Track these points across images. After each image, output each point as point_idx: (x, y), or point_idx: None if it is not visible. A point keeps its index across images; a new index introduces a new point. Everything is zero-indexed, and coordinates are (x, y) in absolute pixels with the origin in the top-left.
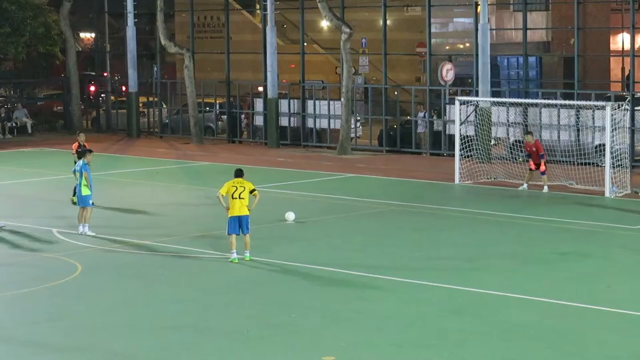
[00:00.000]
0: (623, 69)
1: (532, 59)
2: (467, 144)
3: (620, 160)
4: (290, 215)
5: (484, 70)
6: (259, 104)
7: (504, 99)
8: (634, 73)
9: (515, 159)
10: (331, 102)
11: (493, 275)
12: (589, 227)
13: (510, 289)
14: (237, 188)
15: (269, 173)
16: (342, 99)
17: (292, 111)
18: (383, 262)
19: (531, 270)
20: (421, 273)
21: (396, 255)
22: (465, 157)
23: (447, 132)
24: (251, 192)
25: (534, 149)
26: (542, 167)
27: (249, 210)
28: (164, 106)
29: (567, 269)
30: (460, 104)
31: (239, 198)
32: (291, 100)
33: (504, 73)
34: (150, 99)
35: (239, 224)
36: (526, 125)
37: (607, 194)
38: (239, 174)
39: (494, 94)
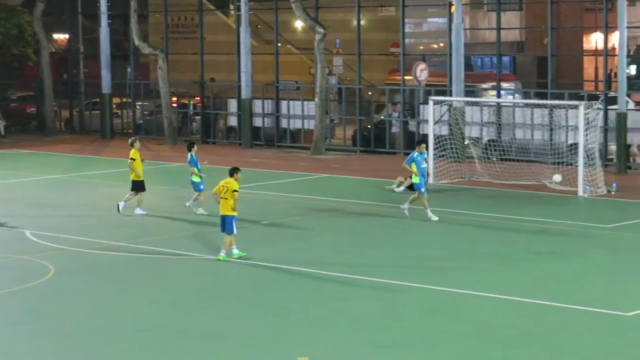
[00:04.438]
0: (596, 68)
1: (505, 59)
2: (441, 143)
3: (594, 159)
4: (557, 177)
5: (458, 70)
6: (232, 105)
7: (477, 99)
8: (607, 72)
9: (489, 158)
10: (305, 103)
11: (470, 275)
12: (563, 226)
13: (486, 288)
14: (223, 187)
15: (244, 174)
16: (316, 100)
17: (266, 112)
18: (360, 262)
19: (508, 270)
20: (398, 273)
21: (373, 255)
22: (439, 157)
23: (421, 131)
24: (233, 192)
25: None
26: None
27: (233, 210)
28: (138, 107)
29: (543, 268)
30: (434, 104)
31: (224, 198)
32: (265, 101)
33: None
34: (124, 100)
35: (222, 223)
36: (420, 140)
37: (580, 194)
38: (230, 172)
39: (468, 93)
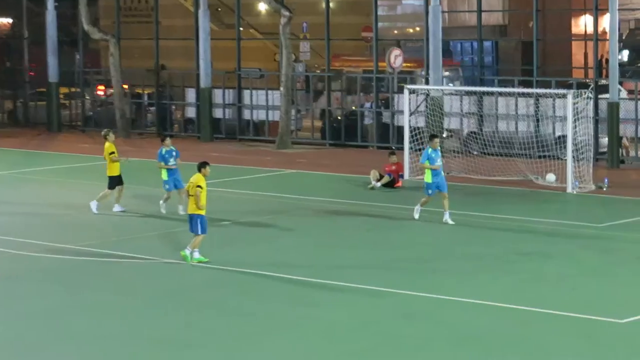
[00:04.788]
0: (586, 54)
1: (487, 44)
2: (417, 136)
3: (583, 152)
4: (550, 177)
5: (436, 56)
6: (190, 95)
7: (457, 88)
8: (597, 58)
9: (470, 152)
10: (269, 92)
11: (449, 278)
12: (550, 225)
13: (467, 293)
14: (190, 184)
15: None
16: (282, 89)
17: (226, 102)
18: (330, 264)
19: (490, 272)
20: (371, 276)
21: (344, 257)
22: (415, 150)
23: (395, 123)
24: (196, 188)
25: (393, 167)
26: (399, 184)
27: (199, 209)
28: (87, 97)
29: (528, 271)
30: (410, 93)
31: (191, 195)
32: (226, 90)
33: (457, 59)
34: (72, 89)
35: (189, 223)
36: (391, 148)
37: (569, 190)
38: (198, 167)
39: (447, 81)
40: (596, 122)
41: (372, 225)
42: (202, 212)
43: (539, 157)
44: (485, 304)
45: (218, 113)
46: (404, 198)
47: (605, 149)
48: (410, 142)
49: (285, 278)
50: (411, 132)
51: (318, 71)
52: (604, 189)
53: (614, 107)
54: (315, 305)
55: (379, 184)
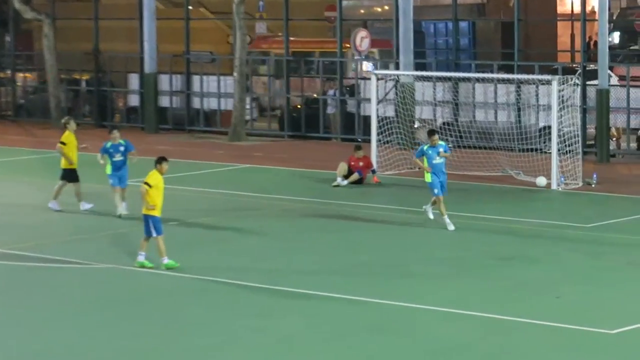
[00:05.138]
0: (572, 35)
1: (463, 25)
2: (386, 127)
3: (570, 145)
4: (541, 181)
5: (406, 38)
6: (133, 81)
7: (430, 73)
8: (585, 41)
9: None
10: (222, 78)
11: (421, 285)
12: (534, 226)
13: (442, 301)
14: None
15: (146, 164)
16: (235, 74)
17: (174, 89)
18: (287, 270)
19: (467, 278)
20: (334, 283)
21: (303, 262)
22: (384, 143)
23: (361, 113)
24: (143, 184)
25: (360, 163)
26: (376, 180)
27: (147, 209)
28: (19, 83)
29: (509, 276)
30: (378, 79)
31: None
32: (173, 76)
33: (430, 42)
34: (2, 75)
35: (145, 224)
36: (357, 140)
37: (554, 186)
38: (155, 162)
39: (418, 66)
40: (584, 111)
41: (337, 226)
42: (153, 213)
43: (521, 150)
44: (462, 314)
45: (164, 101)
46: (372, 196)
47: (593, 141)
48: (378, 134)
49: (239, 285)
50: (379, 122)
51: (273, 54)
52: (593, 186)
53: (603, 95)
54: (272, 315)
55: (345, 181)
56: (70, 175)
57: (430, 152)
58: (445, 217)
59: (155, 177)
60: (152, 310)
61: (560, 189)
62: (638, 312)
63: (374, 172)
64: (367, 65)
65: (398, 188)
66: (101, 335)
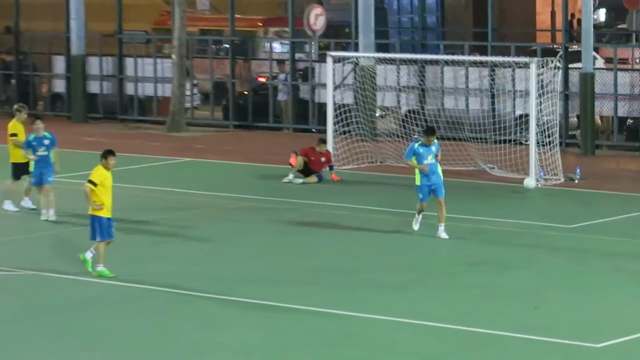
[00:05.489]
0: (553, 13)
1: (430, 1)
2: (343, 115)
3: (550, 136)
4: (529, 182)
5: (366, 15)
6: (59, 64)
7: (393, 55)
8: (567, 19)
9: (410, 136)
10: (159, 61)
11: (383, 295)
12: (509, 227)
13: (404, 311)
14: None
15: (73, 158)
16: (174, 56)
17: (104, 73)
18: (233, 277)
19: (433, 286)
20: (284, 291)
21: (251, 268)
22: (341, 133)
23: (316, 100)
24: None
25: (323, 159)
26: (335, 177)
27: (93, 209)
28: None
29: (481, 284)
30: (334, 62)
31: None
32: (104, 59)
33: (393, 20)
34: None
35: (91, 227)
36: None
37: (532, 183)
38: (101, 157)
39: (380, 47)
40: (566, 97)
41: (288, 228)
42: (96, 213)
43: (495, 141)
44: (429, 326)
45: (94, 87)
46: (328, 194)
47: (576, 132)
48: (334, 123)
49: (180, 294)
50: (336, 110)
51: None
52: (576, 181)
53: (587, 79)
54: (219, 328)
55: (300, 180)
56: (22, 170)
57: (421, 150)
58: (442, 225)
59: (100, 174)
60: (78, 325)
61: (539, 185)
62: (626, 324)
63: (331, 168)
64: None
65: (357, 185)
66: (16, 351)
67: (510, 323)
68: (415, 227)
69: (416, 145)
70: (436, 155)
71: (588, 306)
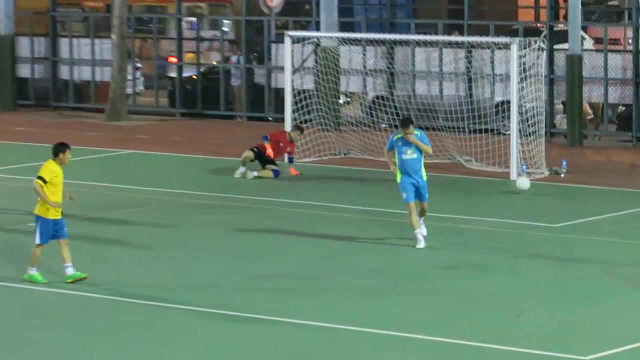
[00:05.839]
0: None
1: None
2: (303, 102)
3: (534, 125)
4: (523, 182)
5: None
6: None
7: (358, 35)
8: None
9: (377, 125)
10: (97, 42)
11: (347, 301)
12: (488, 226)
13: (373, 321)
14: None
15: (1, 150)
16: (114, 36)
17: (36, 55)
18: (179, 283)
19: (405, 293)
20: (237, 299)
21: (199, 273)
22: (301, 122)
23: (272, 85)
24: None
25: (288, 148)
26: (294, 171)
27: (40, 209)
28: None
29: (458, 290)
30: (293, 42)
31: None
32: (35, 39)
33: None
34: None
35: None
36: (297, 121)
37: (514, 177)
38: (53, 152)
39: (344, 26)
40: (551, 82)
41: (241, 228)
42: (43, 214)
43: (472, 131)
44: (398, 336)
45: (24, 71)
46: (286, 190)
47: (562, 121)
48: (293, 111)
49: (119, 301)
50: (295, 96)
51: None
52: (562, 175)
53: (575, 62)
54: (158, 340)
55: (254, 173)
56: None
57: (400, 144)
58: (417, 231)
59: (51, 170)
60: (13, 334)
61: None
62: (616, 334)
63: (291, 161)
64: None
65: (319, 180)
66: None
67: (489, 333)
68: (420, 245)
69: (395, 137)
70: (415, 146)
71: (575, 314)
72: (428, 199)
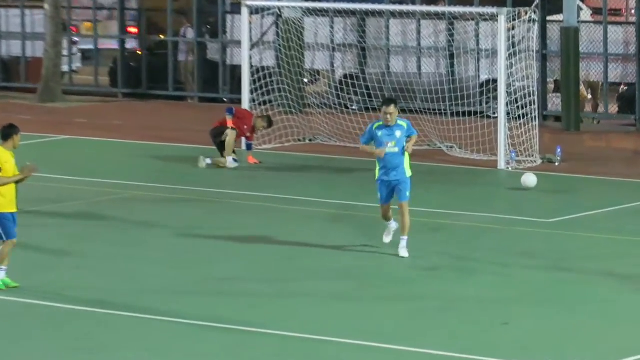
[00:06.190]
0: None
1: None
2: (263, 81)
3: (524, 107)
4: (529, 179)
5: None
6: None
7: (325, 4)
8: None
9: (347, 107)
10: (27, 12)
11: (313, 307)
12: (472, 222)
13: (343, 330)
14: None
15: None
16: (47, 6)
17: None
18: (121, 288)
19: (377, 297)
20: (188, 305)
21: (144, 275)
22: (260, 104)
23: (228, 61)
24: None
25: (248, 133)
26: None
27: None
28: None
29: (437, 294)
30: (251, 13)
31: None
32: None
33: None
34: None
35: None
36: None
37: (501, 166)
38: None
39: None
40: (544, 58)
41: (192, 224)
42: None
43: (455, 114)
44: (370, 347)
45: None
46: (243, 181)
47: (554, 103)
48: (251, 91)
49: (49, 307)
50: (253, 75)
51: None
52: (556, 164)
53: (571, 35)
54: (105, 350)
55: (208, 160)
56: None
57: (380, 133)
58: (404, 238)
59: (5, 155)
60: None
61: (510, 168)
62: (615, 344)
63: (249, 147)
64: None
65: (281, 169)
66: None
67: (473, 343)
68: (386, 239)
69: (375, 126)
70: (407, 139)
71: (570, 322)
72: (409, 197)
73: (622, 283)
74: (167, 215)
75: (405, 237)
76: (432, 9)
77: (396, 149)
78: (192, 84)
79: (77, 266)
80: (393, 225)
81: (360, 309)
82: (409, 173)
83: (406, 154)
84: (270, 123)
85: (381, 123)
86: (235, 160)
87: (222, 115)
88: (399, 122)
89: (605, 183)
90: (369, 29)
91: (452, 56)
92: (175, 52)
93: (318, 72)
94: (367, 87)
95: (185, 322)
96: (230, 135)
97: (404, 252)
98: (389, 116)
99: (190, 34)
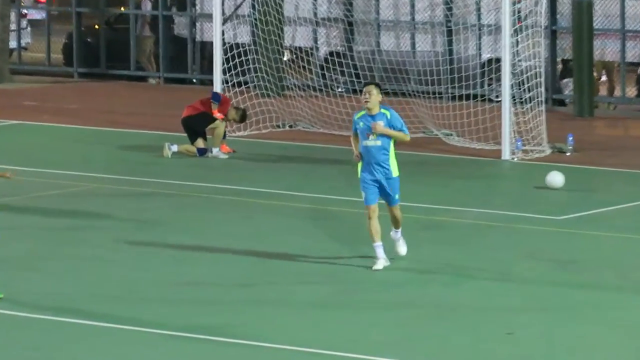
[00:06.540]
0: None
1: None
2: (237, 60)
3: (531, 90)
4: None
5: None
6: None
7: None
8: None
9: (332, 89)
10: None
11: (287, 314)
12: (471, 219)
13: (323, 340)
14: None
15: None
16: None
17: None
18: (73, 294)
19: (362, 303)
20: (149, 312)
21: (99, 279)
22: (235, 85)
23: (197, 38)
24: None
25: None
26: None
27: None
28: None
29: (430, 300)
30: None
31: None
32: None
33: None
34: None
35: None
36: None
37: (506, 156)
38: None
39: None
40: (553, 35)
41: (155, 222)
42: None
43: (453, 97)
44: (354, 359)
45: None
46: (212, 172)
47: (567, 86)
48: (224, 72)
49: (5, 315)
50: (226, 53)
51: None
52: (567, 154)
53: (583, 10)
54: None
55: (174, 148)
56: None
57: (361, 124)
58: (377, 244)
59: None
60: None
61: (515, 159)
62: (631, 358)
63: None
64: None
65: (256, 159)
66: None
67: (471, 355)
68: (377, 266)
69: (358, 115)
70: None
71: (579, 331)
72: (399, 200)
73: (638, 288)
74: (128, 211)
75: (399, 230)
76: None
77: (378, 142)
78: (148, 65)
79: (26, 268)
80: (380, 251)
81: (342, 318)
82: (396, 172)
83: (392, 149)
84: (242, 118)
85: (364, 112)
86: (206, 149)
87: (193, 98)
88: (382, 110)
89: (622, 175)
90: (356, 1)
91: (450, 32)
92: (138, 27)
93: (299, 49)
94: (354, 67)
95: (150, 331)
96: (219, 127)
97: (402, 248)
98: (367, 96)
99: (148, 6)
